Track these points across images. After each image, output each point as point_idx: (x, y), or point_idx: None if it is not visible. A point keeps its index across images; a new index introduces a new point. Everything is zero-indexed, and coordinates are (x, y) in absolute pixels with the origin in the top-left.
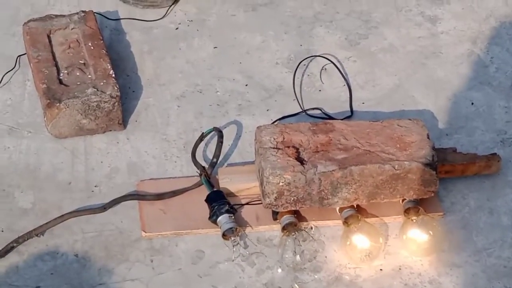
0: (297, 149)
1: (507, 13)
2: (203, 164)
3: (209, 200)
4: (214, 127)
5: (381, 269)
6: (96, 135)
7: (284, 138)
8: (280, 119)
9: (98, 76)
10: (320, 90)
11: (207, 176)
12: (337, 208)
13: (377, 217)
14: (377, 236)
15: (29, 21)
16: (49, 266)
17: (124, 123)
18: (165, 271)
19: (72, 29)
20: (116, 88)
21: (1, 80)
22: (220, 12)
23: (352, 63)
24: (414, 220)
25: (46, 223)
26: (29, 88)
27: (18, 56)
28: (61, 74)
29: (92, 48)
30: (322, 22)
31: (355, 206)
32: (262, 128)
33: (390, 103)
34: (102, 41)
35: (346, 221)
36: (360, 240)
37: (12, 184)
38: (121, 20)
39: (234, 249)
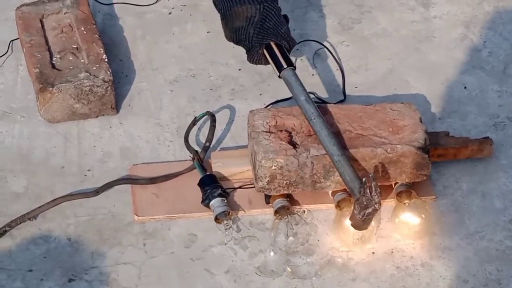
0: (290, 133)
1: None
2: (196, 148)
3: (201, 184)
4: (207, 111)
5: (373, 252)
6: (89, 119)
7: (276, 122)
8: (273, 103)
9: (91, 60)
10: (313, 75)
11: (200, 160)
12: (330, 192)
13: None
14: None
15: (21, 5)
16: (42, 249)
17: (117, 107)
18: (158, 254)
19: (65, 13)
20: (109, 72)
21: None
22: None
23: (345, 47)
24: (407, 204)
25: (39, 207)
26: (22, 73)
27: (11, 41)
28: (54, 59)
29: (85, 32)
30: (315, 6)
31: (347, 189)
32: (255, 112)
33: (383, 87)
34: (95, 26)
35: (338, 205)
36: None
37: (5, 168)
38: (114, 5)
39: (227, 232)
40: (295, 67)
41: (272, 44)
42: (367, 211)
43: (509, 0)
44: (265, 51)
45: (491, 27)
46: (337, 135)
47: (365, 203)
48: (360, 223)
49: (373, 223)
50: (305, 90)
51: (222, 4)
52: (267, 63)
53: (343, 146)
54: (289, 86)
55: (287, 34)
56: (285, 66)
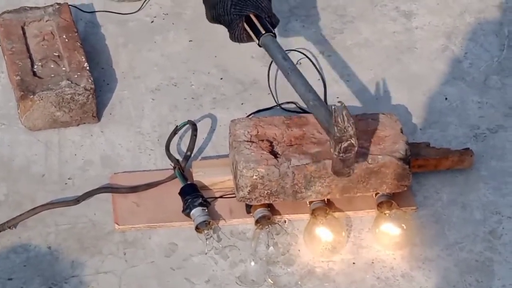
0: (271, 142)
1: (482, 8)
2: (177, 157)
3: (182, 193)
4: (188, 120)
5: (353, 263)
6: (70, 127)
7: (258, 132)
8: (254, 112)
9: (73, 68)
10: None
11: (181, 169)
12: (308, 201)
13: (350, 211)
14: (341, 230)
15: (3, 12)
16: (22, 258)
17: (98, 115)
18: (138, 263)
19: (46, 21)
20: (90, 80)
21: None
22: (196, 6)
23: (327, 57)
24: (387, 214)
25: (19, 215)
26: (3, 80)
27: None
28: (35, 66)
29: (66, 40)
30: (297, 16)
31: (325, 200)
32: (236, 121)
33: (365, 97)
34: (76, 34)
35: (313, 213)
36: (324, 233)
37: None
38: (96, 13)
39: (207, 242)
40: (275, 34)
41: (252, 16)
42: (343, 145)
43: (491, 12)
44: (245, 25)
45: (472, 38)
46: (318, 145)
47: (338, 134)
48: (340, 165)
49: (343, 233)
50: (283, 51)
51: None
52: (249, 39)
53: (325, 156)
54: (268, 50)
55: (268, 8)
56: (263, 32)
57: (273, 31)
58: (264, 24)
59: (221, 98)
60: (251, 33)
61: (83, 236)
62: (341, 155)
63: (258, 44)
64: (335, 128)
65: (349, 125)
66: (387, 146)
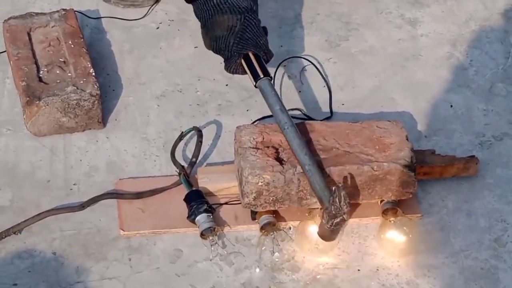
0: (277, 149)
1: (487, 16)
2: (183, 163)
3: (187, 199)
4: (193, 127)
5: (358, 270)
6: (75, 133)
7: (263, 138)
8: (260, 119)
9: (78, 74)
10: (300, 91)
11: (186, 175)
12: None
13: (355, 217)
14: None
15: (9, 18)
16: (26, 264)
17: (103, 121)
18: (143, 270)
19: (52, 27)
20: (96, 86)
21: None
22: None
23: (332, 64)
24: (392, 221)
25: (24, 221)
26: (9, 86)
27: None
28: (41, 72)
29: (72, 46)
30: (302, 23)
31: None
32: (242, 128)
33: (370, 104)
34: (82, 40)
35: (309, 212)
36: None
37: None
38: (102, 19)
39: (212, 248)
40: (271, 77)
41: (250, 54)
42: (335, 221)
43: (495, 19)
44: (242, 61)
45: (477, 46)
46: (324, 152)
47: (333, 212)
48: (328, 233)
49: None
50: (280, 100)
51: (204, 13)
52: (244, 72)
53: (330, 163)
54: (264, 96)
55: (266, 45)
56: (261, 75)
57: (270, 75)
58: (261, 65)
59: (226, 105)
60: (248, 73)
61: (88, 242)
62: (332, 227)
63: (255, 86)
64: (332, 206)
65: (345, 204)
66: (392, 153)
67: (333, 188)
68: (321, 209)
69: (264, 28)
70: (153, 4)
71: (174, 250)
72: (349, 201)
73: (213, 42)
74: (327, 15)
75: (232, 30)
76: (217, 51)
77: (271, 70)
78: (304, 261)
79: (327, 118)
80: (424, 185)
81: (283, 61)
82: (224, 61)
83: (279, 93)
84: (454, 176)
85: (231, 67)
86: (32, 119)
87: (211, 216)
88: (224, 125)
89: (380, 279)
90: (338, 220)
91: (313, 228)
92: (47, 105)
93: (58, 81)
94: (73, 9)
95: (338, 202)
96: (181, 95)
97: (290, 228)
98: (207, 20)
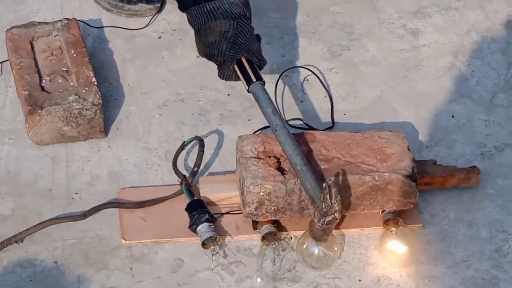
0: (278, 159)
1: (488, 27)
2: (184, 173)
3: (189, 208)
4: (195, 136)
5: (360, 280)
6: (77, 142)
7: (265, 148)
8: (261, 129)
9: (80, 83)
10: (301, 101)
11: (188, 184)
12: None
13: (356, 227)
14: (333, 245)
15: (12, 27)
16: (28, 272)
17: (105, 130)
18: (145, 279)
19: (55, 36)
20: (98, 95)
21: None
22: None
23: (334, 74)
24: (394, 232)
25: (26, 229)
26: (11, 95)
27: (0, 63)
28: (43, 81)
29: (74, 55)
30: (304, 33)
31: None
32: (244, 137)
33: (372, 114)
34: (85, 49)
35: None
36: (317, 247)
37: None
38: (104, 28)
39: (214, 258)
40: (264, 82)
41: (243, 59)
42: (327, 219)
43: (497, 30)
44: (235, 66)
45: (479, 56)
46: (325, 162)
47: (324, 209)
48: (320, 233)
49: (336, 248)
50: (272, 103)
51: (197, 20)
52: (237, 79)
53: (331, 173)
54: (257, 99)
55: (259, 52)
56: (254, 80)
57: (263, 79)
58: (254, 70)
59: (228, 114)
60: (241, 77)
61: (89, 251)
62: (323, 226)
63: (248, 90)
64: (323, 204)
65: (336, 202)
66: (393, 163)
67: (324, 185)
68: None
69: (258, 36)
70: (155, 14)
71: (176, 260)
72: (340, 199)
73: (206, 48)
74: (329, 25)
75: (225, 35)
76: (210, 57)
77: (273, 80)
78: (306, 271)
79: (329, 128)
80: (425, 195)
81: (285, 71)
82: (217, 68)
83: (281, 103)
84: (455, 187)
85: (225, 73)
86: (34, 128)
87: (213, 226)
88: (226, 135)
89: None
90: (329, 218)
91: (309, 242)
92: (49, 114)
93: (60, 90)
94: (75, 19)
95: (329, 200)
96: (183, 104)
97: (291, 238)
98: (201, 26)
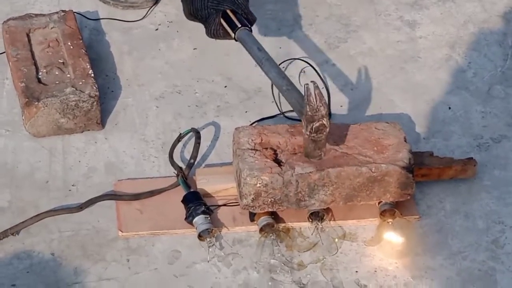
0: (275, 150)
1: (485, 18)
2: (181, 164)
3: (185, 200)
4: (191, 128)
5: (356, 271)
6: (74, 134)
7: (262, 140)
8: (258, 120)
9: (77, 75)
10: None
11: (184, 176)
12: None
13: (353, 219)
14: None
15: (8, 19)
16: (25, 264)
17: (102, 122)
18: (142, 270)
19: (51, 28)
20: (95, 87)
21: None
22: None
23: (331, 66)
24: (390, 223)
25: (23, 222)
26: (8, 87)
27: None
28: (40, 73)
29: (71, 47)
30: (301, 25)
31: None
32: (240, 129)
33: (368, 106)
34: (81, 41)
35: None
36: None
37: None
38: (101, 20)
39: (210, 250)
40: (251, 28)
41: (229, 11)
42: (315, 125)
43: (494, 22)
44: (222, 20)
45: (475, 48)
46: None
47: (310, 113)
48: (312, 147)
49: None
50: (258, 43)
51: None
52: (225, 34)
53: (328, 164)
54: (243, 43)
55: (245, 5)
56: (239, 25)
57: (249, 26)
58: (240, 19)
59: (225, 106)
60: (227, 27)
61: (86, 243)
62: (312, 135)
63: (234, 39)
64: (307, 106)
65: (321, 105)
66: (390, 154)
67: (305, 86)
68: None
69: None
70: (152, 6)
71: (172, 251)
72: (326, 102)
73: (190, 6)
74: (326, 17)
75: None
76: (194, 14)
77: None
78: (302, 262)
79: None
80: (422, 187)
81: (281, 63)
82: (203, 24)
83: (278, 95)
84: (452, 178)
85: (211, 27)
86: (31, 120)
87: (209, 218)
88: (223, 127)
89: (378, 281)
90: (317, 124)
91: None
92: (46, 106)
93: (57, 82)
94: (72, 11)
95: (314, 102)
96: (180, 96)
97: (289, 229)
98: None
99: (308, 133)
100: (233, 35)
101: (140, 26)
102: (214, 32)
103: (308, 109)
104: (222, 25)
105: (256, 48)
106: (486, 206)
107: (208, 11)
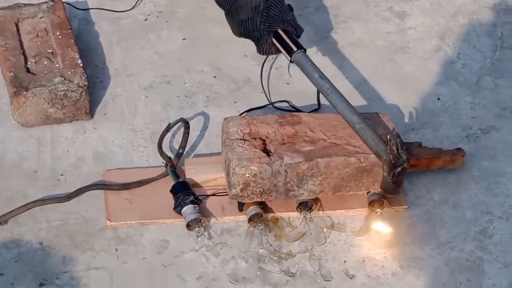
0: (264, 141)
1: (475, 9)
2: (170, 154)
3: (174, 190)
4: (180, 118)
5: (345, 261)
6: (63, 124)
7: (251, 130)
8: (247, 111)
9: (66, 65)
10: (288, 83)
11: (173, 166)
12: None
13: (342, 209)
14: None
15: None
16: (13, 253)
17: (91, 112)
18: (130, 260)
19: (40, 18)
20: (83, 77)
21: None
22: (190, 4)
23: (320, 57)
24: (379, 213)
25: (11, 211)
26: None
27: None
28: (29, 63)
29: (60, 37)
30: None
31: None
32: (229, 119)
33: (358, 97)
34: (70, 31)
35: (298, 206)
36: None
37: None
38: (90, 10)
39: (198, 239)
40: (305, 49)
41: (280, 31)
42: (396, 171)
43: (484, 13)
44: (273, 40)
45: (465, 39)
46: (311, 143)
47: (393, 161)
48: (392, 187)
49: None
50: (317, 68)
51: (226, 1)
52: (277, 51)
53: (317, 154)
54: (302, 67)
55: (293, 21)
56: (295, 49)
57: (303, 47)
58: (293, 39)
59: (214, 96)
60: (281, 49)
61: (74, 232)
62: (394, 178)
63: (290, 61)
64: (391, 156)
65: (403, 152)
66: None
67: (388, 137)
68: (311, 201)
69: (289, 6)
70: None
71: (161, 241)
72: (407, 149)
73: (241, 27)
74: (316, 8)
75: (257, 10)
76: (246, 34)
77: (260, 62)
78: (291, 252)
79: (315, 110)
80: (410, 177)
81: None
82: (255, 44)
83: (267, 86)
84: (440, 169)
85: (263, 47)
86: (19, 109)
87: (198, 208)
88: (212, 117)
89: (366, 270)
90: (399, 169)
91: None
92: (34, 95)
93: (45, 72)
94: (61, 0)
95: (396, 150)
96: (169, 86)
97: (277, 219)
98: (231, 6)
99: (390, 177)
100: (289, 58)
101: (129, 16)
102: (267, 51)
103: (391, 158)
104: (274, 44)
105: (318, 76)
106: (474, 196)
107: (260, 33)
